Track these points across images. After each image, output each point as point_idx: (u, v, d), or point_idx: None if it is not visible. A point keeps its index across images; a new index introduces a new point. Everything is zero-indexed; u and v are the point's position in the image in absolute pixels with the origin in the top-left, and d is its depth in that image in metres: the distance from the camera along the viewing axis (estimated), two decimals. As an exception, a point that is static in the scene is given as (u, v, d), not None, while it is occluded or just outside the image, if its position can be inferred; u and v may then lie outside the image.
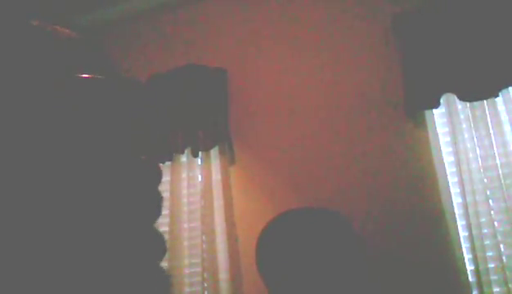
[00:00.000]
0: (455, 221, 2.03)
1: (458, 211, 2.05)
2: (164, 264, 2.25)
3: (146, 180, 0.68)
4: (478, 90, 2.08)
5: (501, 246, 1.94)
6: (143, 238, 0.66)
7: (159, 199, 0.71)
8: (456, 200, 2.07)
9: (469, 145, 2.08)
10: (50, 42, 0.65)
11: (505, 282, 1.89)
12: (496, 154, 2.03)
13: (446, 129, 2.15)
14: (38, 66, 0.62)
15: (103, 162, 0.62)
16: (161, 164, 2.35)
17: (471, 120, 2.10)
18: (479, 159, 2.04)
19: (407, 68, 2.21)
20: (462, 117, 2.13)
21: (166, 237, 2.22)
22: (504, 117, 2.07)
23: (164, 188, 2.35)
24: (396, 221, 2.13)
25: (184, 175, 2.39)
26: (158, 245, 0.68)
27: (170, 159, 2.38)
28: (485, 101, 2.09)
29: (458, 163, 2.07)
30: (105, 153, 0.63)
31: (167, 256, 2.18)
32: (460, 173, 2.05)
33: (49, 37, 0.66)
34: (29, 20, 0.66)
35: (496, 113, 2.07)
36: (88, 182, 0.60)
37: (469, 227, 1.98)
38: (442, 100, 2.14)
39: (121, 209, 0.63)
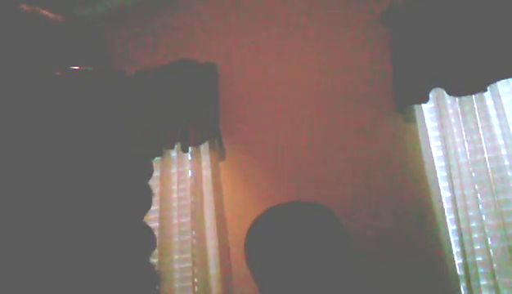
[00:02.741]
0: (444, 215, 2.04)
1: (446, 205, 2.06)
2: (154, 259, 2.24)
3: (137, 175, 0.67)
4: (466, 84, 2.09)
5: (489, 239, 1.96)
6: (133, 232, 0.66)
7: (149, 193, 0.70)
8: (445, 194, 2.08)
9: (457, 140, 2.09)
10: (37, 27, 0.64)
11: (493, 275, 1.91)
12: (485, 149, 2.04)
13: (435, 123, 2.16)
14: (24, 53, 0.62)
15: (92, 156, 0.62)
16: (151, 160, 2.35)
17: (460, 115, 2.11)
18: (468, 154, 2.05)
19: (396, 62, 2.22)
20: (451, 111, 2.13)
21: (156, 233, 2.23)
22: (492, 111, 2.08)
23: (154, 183, 2.35)
24: (384, 215, 2.14)
25: (174, 170, 2.38)
26: (148, 239, 0.67)
27: (160, 155, 2.37)
28: (473, 96, 2.10)
29: (447, 158, 2.08)
30: (95, 147, 0.63)
31: (157, 251, 2.17)
32: (448, 167, 2.06)
33: (37, 21, 0.65)
34: (17, 3, 0.65)
35: (484, 108, 2.09)
36: (77, 176, 0.60)
37: (457, 221, 1.99)
38: (430, 95, 2.15)
39: (111, 203, 0.63)
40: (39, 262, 0.55)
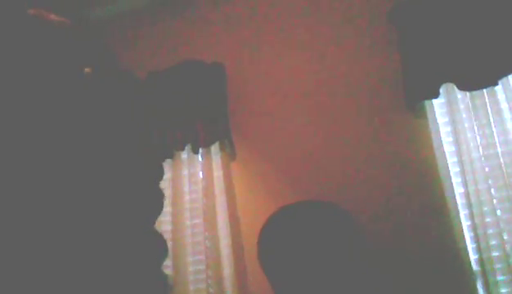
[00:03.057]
0: (458, 211, 2.03)
1: (460, 201, 2.05)
2: (168, 262, 2.23)
3: (148, 177, 0.66)
4: (477, 79, 2.08)
5: (504, 234, 1.95)
6: (144, 238, 0.64)
7: (160, 196, 0.69)
8: (458, 190, 2.07)
9: (469, 135, 2.08)
10: (45, 31, 0.64)
11: (509, 270, 1.90)
12: (497, 143, 2.03)
13: (447, 119, 2.15)
14: (34, 57, 0.61)
15: (103, 158, 0.61)
16: (161, 162, 2.34)
17: (471, 109, 2.10)
18: (480, 148, 2.04)
19: (405, 58, 2.20)
20: (462, 106, 2.12)
21: (169, 235, 2.22)
22: (504, 105, 2.07)
23: (165, 185, 2.34)
24: (398, 212, 2.13)
25: (185, 172, 2.38)
26: (159, 247, 0.66)
27: (170, 156, 2.37)
28: (484, 90, 2.09)
29: (459, 153, 2.06)
30: (105, 149, 0.62)
31: (170, 254, 2.16)
32: (461, 163, 2.05)
33: (44, 26, 0.64)
34: (25, 8, 0.64)
35: (495, 102, 2.07)
36: (87, 179, 0.59)
37: (471, 216, 1.98)
38: (441, 90, 2.14)
39: (122, 208, 0.62)
40: (50, 265, 0.54)
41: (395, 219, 2.12)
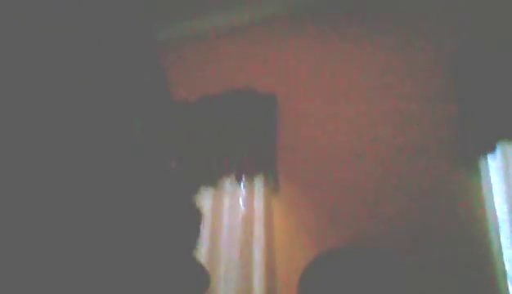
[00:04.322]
0: (505, 272, 1.96)
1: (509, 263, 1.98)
2: None
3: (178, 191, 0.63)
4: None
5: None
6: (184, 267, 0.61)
7: (196, 214, 0.65)
8: (507, 251, 2.00)
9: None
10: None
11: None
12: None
13: (500, 177, 2.09)
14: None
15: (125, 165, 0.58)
16: (203, 189, 2.32)
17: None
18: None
19: (463, 111, 2.17)
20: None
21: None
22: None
23: (205, 212, 2.32)
24: (442, 267, 2.06)
25: (226, 201, 2.34)
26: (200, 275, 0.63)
27: (213, 185, 2.34)
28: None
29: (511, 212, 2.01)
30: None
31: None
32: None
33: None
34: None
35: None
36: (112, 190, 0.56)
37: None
38: (497, 147, 2.09)
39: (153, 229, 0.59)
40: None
41: (438, 273, 2.05)
